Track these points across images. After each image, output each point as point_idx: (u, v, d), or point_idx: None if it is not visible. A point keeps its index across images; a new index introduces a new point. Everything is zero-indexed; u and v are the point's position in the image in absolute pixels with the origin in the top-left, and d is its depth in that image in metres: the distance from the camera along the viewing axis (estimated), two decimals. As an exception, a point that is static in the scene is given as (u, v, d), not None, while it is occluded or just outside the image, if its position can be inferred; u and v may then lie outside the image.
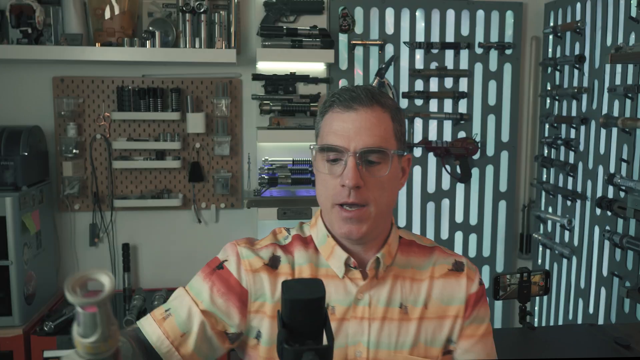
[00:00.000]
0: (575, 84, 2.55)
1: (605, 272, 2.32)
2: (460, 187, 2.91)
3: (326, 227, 1.09)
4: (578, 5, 2.53)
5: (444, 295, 1.09)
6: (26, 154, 2.35)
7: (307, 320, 0.81)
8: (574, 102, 2.54)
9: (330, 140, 1.02)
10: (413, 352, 1.05)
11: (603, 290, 2.35)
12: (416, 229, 2.90)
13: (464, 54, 2.82)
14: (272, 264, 1.07)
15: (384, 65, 2.74)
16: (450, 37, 2.80)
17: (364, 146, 0.99)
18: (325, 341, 0.83)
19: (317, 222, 1.11)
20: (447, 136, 2.86)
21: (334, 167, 1.02)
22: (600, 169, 2.35)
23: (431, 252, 1.13)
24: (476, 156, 2.87)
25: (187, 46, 2.52)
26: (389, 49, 2.78)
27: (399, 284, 1.08)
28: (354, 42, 2.73)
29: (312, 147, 1.06)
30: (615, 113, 2.23)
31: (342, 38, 2.74)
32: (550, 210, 2.78)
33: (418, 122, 2.82)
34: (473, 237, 2.95)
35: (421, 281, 1.09)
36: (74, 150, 2.62)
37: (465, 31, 2.81)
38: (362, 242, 1.06)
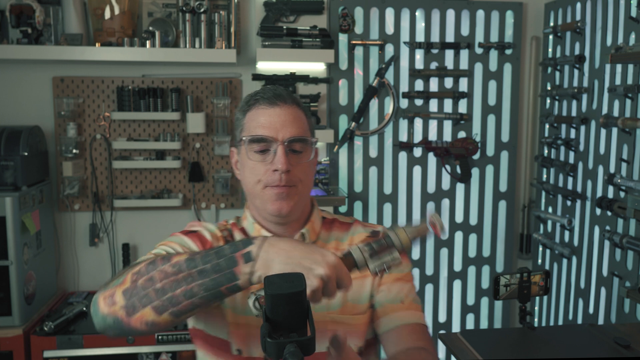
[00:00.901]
0: (575, 84, 2.55)
1: (605, 272, 2.32)
2: (460, 187, 2.91)
3: (252, 217, 1.24)
4: (578, 5, 2.53)
5: None
6: (26, 154, 2.35)
7: (290, 313, 0.85)
8: (574, 102, 2.54)
9: (260, 132, 1.14)
10: (342, 311, 1.18)
11: (603, 290, 2.35)
12: (416, 229, 2.89)
13: (464, 54, 2.82)
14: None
15: (384, 65, 2.74)
16: (450, 37, 2.80)
17: (290, 136, 1.14)
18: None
19: (246, 215, 1.26)
20: (447, 136, 2.86)
21: (264, 156, 1.14)
22: (600, 169, 2.35)
23: (350, 225, 1.28)
24: (476, 156, 2.88)
25: (187, 46, 2.53)
26: (389, 49, 2.78)
27: None
28: (354, 42, 2.73)
29: (244, 138, 1.15)
30: (615, 113, 2.23)
31: (342, 38, 2.74)
32: (550, 210, 2.78)
33: (418, 122, 2.82)
34: (473, 237, 2.95)
35: (343, 250, 1.18)
36: (74, 150, 2.62)
37: (465, 31, 2.81)
38: (288, 221, 1.20)
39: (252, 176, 1.15)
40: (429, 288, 2.95)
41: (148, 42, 2.48)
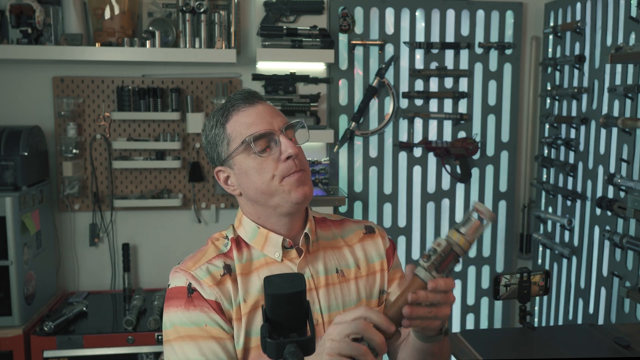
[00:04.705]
0: (575, 84, 2.55)
1: (605, 272, 2.32)
2: (460, 187, 2.91)
3: (254, 221, 1.18)
4: (578, 5, 2.53)
5: (367, 255, 1.27)
6: (26, 154, 2.35)
7: (290, 313, 0.85)
8: (574, 102, 2.54)
9: (255, 130, 1.12)
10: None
11: (603, 290, 2.35)
12: (416, 228, 2.90)
13: (464, 54, 2.82)
14: (228, 271, 1.14)
15: (384, 65, 2.74)
16: (450, 37, 2.80)
17: (283, 124, 1.15)
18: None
19: (243, 221, 1.20)
20: (447, 136, 2.86)
21: (268, 152, 1.12)
22: (600, 169, 2.35)
23: (343, 223, 1.31)
24: (476, 156, 2.88)
25: (187, 46, 2.53)
26: (389, 49, 2.78)
27: (329, 253, 1.22)
28: (354, 42, 2.73)
29: (246, 140, 1.11)
30: (615, 113, 2.23)
31: (342, 38, 2.74)
32: (550, 210, 2.78)
33: (418, 122, 2.82)
34: (473, 237, 2.95)
35: (345, 247, 1.26)
36: (74, 150, 2.62)
37: (465, 31, 2.81)
38: (302, 208, 1.17)
39: (264, 175, 1.12)
40: (429, 288, 2.95)
41: (148, 42, 2.48)
